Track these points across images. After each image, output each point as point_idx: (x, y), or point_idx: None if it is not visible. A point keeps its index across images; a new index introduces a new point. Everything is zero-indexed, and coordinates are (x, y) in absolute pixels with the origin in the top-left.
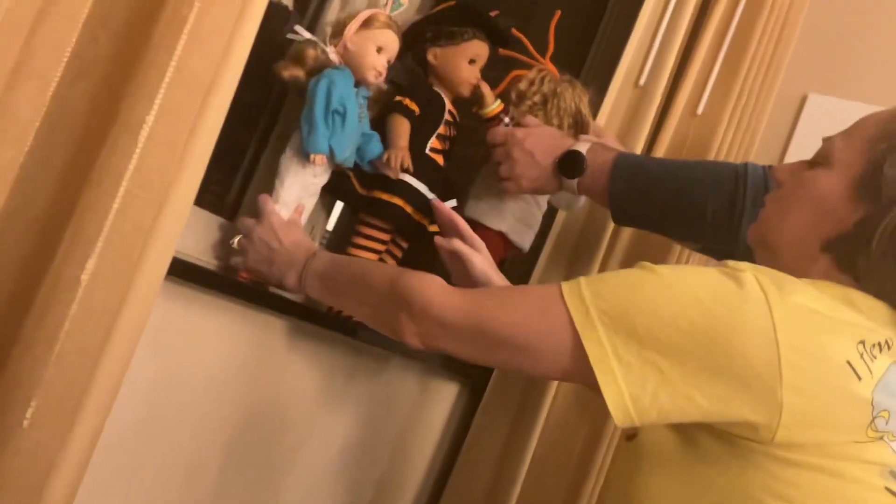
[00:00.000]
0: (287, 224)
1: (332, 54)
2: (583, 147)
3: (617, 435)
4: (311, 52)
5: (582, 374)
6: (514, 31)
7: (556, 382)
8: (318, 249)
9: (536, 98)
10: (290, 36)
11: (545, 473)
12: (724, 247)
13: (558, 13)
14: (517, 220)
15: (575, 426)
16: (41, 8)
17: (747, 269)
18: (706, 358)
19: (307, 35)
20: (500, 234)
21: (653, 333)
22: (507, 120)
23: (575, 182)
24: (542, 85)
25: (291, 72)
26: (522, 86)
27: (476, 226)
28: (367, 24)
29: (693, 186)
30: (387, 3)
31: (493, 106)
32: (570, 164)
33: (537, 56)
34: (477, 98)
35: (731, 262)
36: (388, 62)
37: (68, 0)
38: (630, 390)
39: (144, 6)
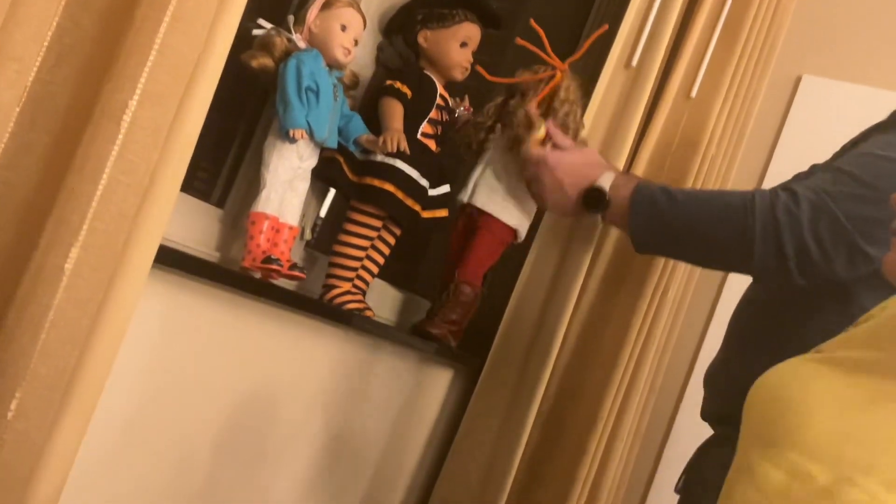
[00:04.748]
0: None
1: (299, 41)
2: (606, 181)
3: (611, 419)
4: (277, 40)
5: None
6: (532, 22)
7: (550, 365)
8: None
9: (566, 108)
10: (254, 32)
11: (540, 459)
12: (741, 270)
13: (605, 27)
14: (526, 215)
15: (570, 411)
16: None
17: None
18: None
19: (270, 26)
20: (511, 229)
21: None
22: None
23: (598, 215)
24: (570, 92)
25: (259, 60)
26: (563, 94)
27: (490, 218)
28: (327, 5)
29: (704, 219)
30: None
31: (541, 132)
32: (593, 200)
33: (552, 55)
34: (523, 121)
35: None
36: (355, 40)
37: None
38: None
39: None
